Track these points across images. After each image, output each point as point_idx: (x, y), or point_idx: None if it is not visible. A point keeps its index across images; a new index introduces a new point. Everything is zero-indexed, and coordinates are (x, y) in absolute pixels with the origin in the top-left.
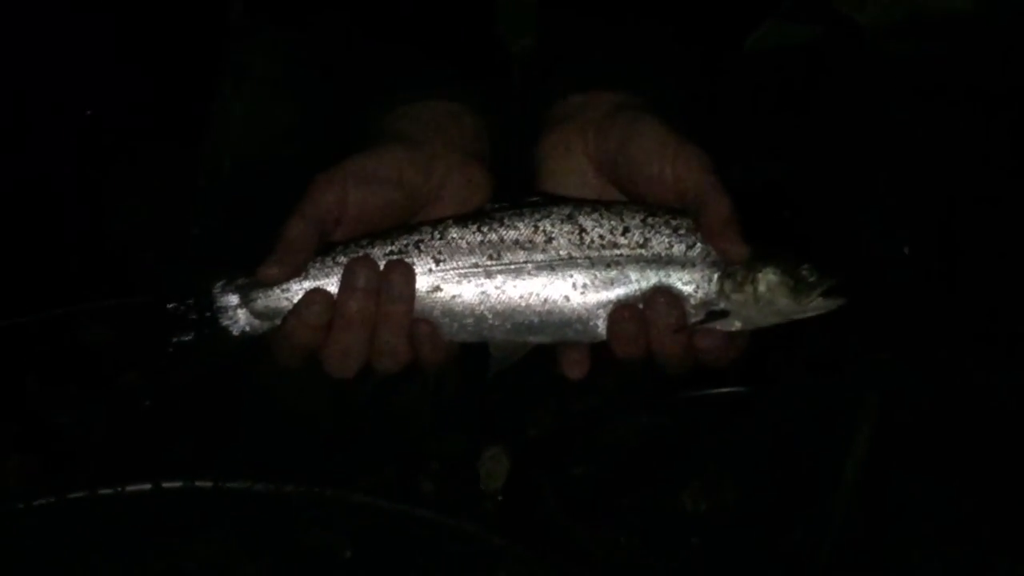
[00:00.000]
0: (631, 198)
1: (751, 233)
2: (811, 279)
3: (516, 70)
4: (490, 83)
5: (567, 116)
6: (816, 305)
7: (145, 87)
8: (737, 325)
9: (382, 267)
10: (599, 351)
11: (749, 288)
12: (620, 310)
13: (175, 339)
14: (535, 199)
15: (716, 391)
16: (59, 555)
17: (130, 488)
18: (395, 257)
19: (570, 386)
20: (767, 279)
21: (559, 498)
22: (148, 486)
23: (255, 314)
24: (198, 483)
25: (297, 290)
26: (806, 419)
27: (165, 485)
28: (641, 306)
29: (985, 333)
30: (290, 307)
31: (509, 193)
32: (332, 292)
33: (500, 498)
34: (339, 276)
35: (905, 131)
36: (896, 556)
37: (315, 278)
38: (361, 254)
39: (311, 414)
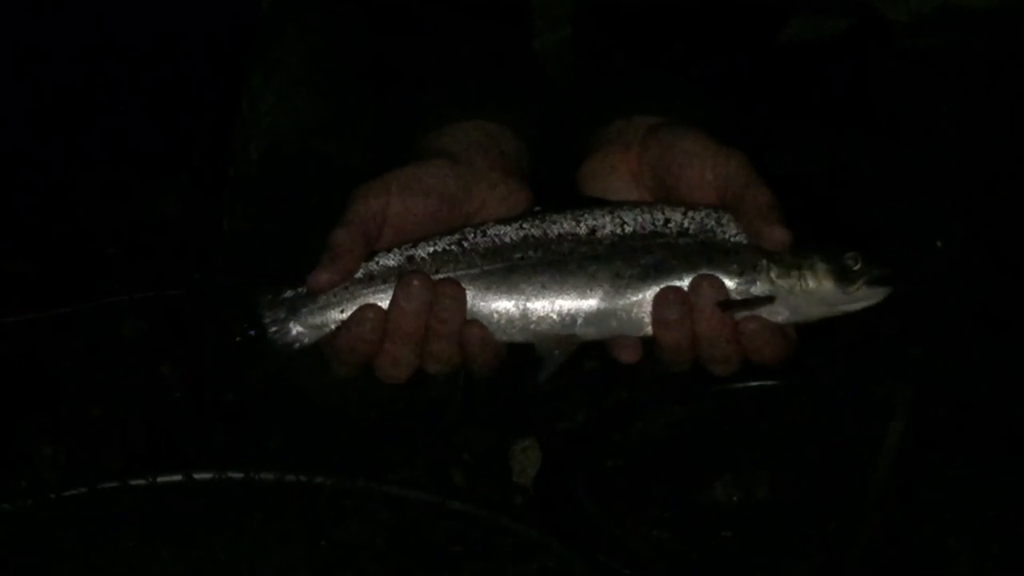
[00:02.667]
0: None
1: (794, 225)
2: (856, 267)
3: (553, 75)
4: (529, 103)
5: (609, 139)
6: (863, 295)
7: (176, 79)
8: (784, 315)
9: (427, 270)
10: (647, 347)
11: (795, 273)
12: (665, 292)
13: (225, 355)
14: (576, 200)
15: (749, 384)
16: (90, 545)
17: (162, 479)
18: (440, 256)
19: (602, 378)
20: (812, 265)
21: (591, 490)
22: (180, 477)
23: (304, 326)
24: (230, 474)
25: (344, 297)
26: (840, 411)
27: (197, 476)
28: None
29: (1019, 325)
30: (339, 315)
31: (551, 199)
32: (380, 299)
33: (532, 490)
34: (384, 280)
35: (936, 124)
36: (931, 549)
37: (362, 283)
38: (404, 256)
39: (342, 405)
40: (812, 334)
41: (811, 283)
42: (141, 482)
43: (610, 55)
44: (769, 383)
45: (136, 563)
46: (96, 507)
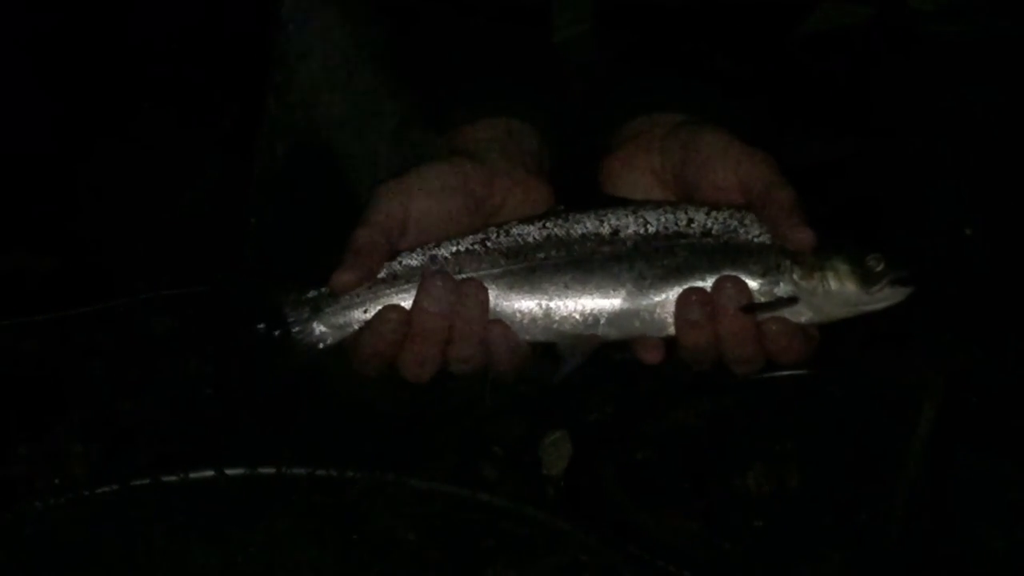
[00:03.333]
0: None
1: (817, 222)
2: (878, 268)
3: (574, 74)
4: (549, 100)
5: (631, 137)
6: (885, 295)
7: (201, 76)
8: (807, 315)
9: (449, 270)
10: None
11: (818, 275)
12: (688, 293)
13: (249, 355)
14: (599, 200)
15: (779, 373)
16: (123, 542)
17: (193, 475)
18: (463, 256)
19: (632, 370)
20: (835, 267)
21: (622, 482)
22: (211, 473)
23: (328, 326)
24: (261, 470)
25: (367, 297)
26: (870, 401)
27: (228, 472)
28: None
29: None
30: (362, 315)
31: (573, 199)
32: (403, 299)
33: (563, 483)
34: (407, 280)
35: (963, 112)
36: (962, 537)
37: (385, 283)
38: (427, 256)
39: (373, 400)
40: (842, 323)
41: (834, 284)
42: (173, 479)
43: (631, 51)
44: (799, 373)
45: (168, 559)
46: (128, 504)
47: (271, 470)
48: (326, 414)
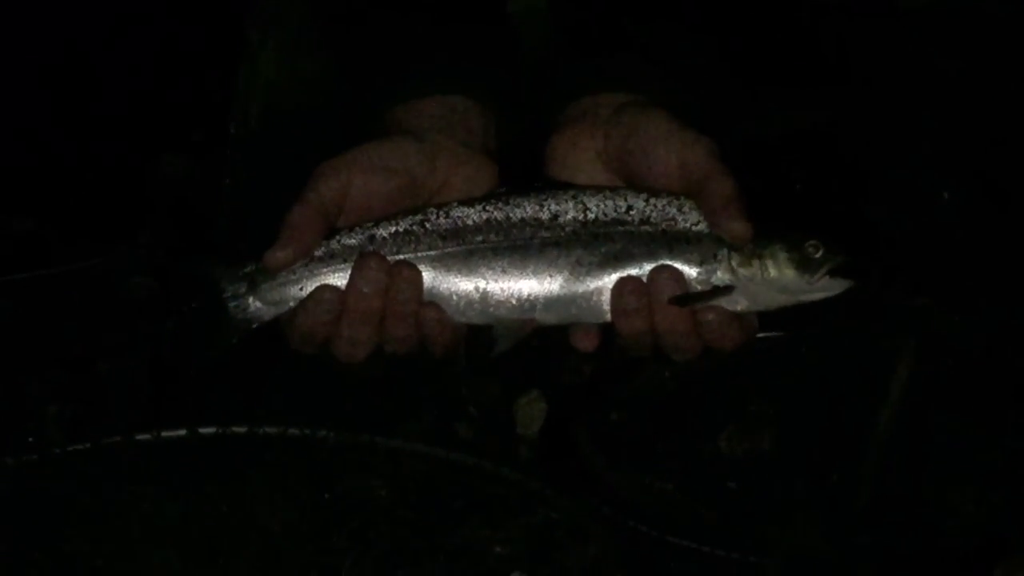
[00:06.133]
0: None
1: (755, 211)
2: (817, 255)
3: (527, 43)
4: (498, 77)
5: (576, 116)
6: (823, 285)
7: (176, 39)
8: (743, 304)
9: (387, 250)
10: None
11: (756, 263)
12: (623, 282)
13: (187, 327)
14: (540, 183)
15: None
16: (96, 500)
17: (166, 434)
18: (401, 236)
19: (608, 331)
20: (774, 254)
21: (596, 443)
22: (184, 432)
23: (264, 302)
24: (234, 428)
25: (304, 275)
26: (843, 364)
27: (201, 431)
28: (645, 280)
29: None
30: (298, 293)
31: (515, 181)
32: (340, 278)
33: (537, 443)
34: (344, 259)
35: (940, 80)
36: (933, 500)
37: (321, 261)
38: (365, 235)
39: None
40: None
41: (772, 272)
42: (146, 437)
43: (585, 27)
44: (774, 335)
45: (141, 518)
46: (100, 462)
47: (243, 429)
48: (299, 374)
